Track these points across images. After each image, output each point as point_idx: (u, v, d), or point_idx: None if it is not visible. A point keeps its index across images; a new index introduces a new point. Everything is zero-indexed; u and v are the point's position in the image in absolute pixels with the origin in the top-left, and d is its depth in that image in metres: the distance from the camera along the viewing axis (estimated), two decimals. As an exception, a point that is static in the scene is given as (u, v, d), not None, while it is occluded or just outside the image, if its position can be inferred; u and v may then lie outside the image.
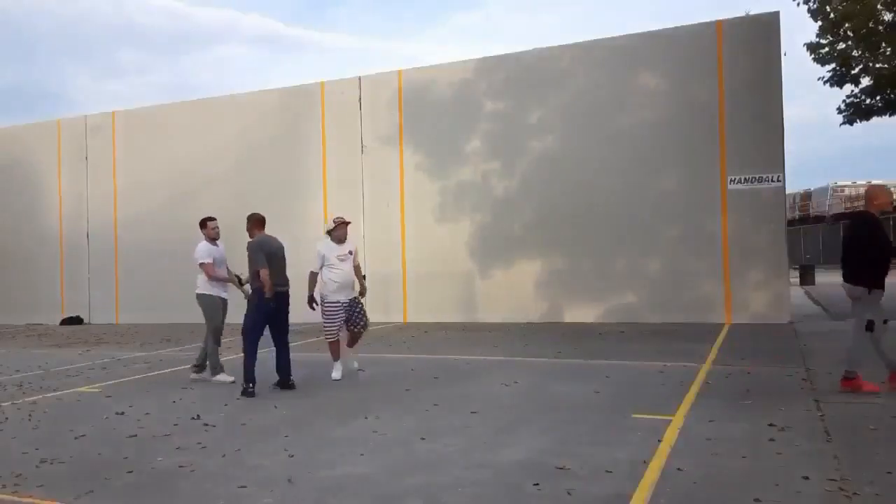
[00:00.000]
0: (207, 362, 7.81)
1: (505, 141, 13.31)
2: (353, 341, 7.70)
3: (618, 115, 12.54)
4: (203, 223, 8.39)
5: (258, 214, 7.66)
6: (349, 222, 7.66)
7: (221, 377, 7.59)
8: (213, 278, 7.88)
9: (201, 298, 8.01)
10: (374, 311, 14.16)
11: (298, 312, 15.05)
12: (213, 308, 7.90)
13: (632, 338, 10.06)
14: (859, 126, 14.31)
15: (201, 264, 7.92)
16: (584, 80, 12.90)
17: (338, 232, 7.41)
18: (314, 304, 7.62)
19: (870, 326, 5.69)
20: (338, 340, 7.53)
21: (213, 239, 8.12)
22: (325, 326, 7.37)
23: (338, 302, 7.24)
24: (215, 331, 7.84)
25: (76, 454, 4.68)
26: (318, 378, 7.50)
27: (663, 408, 5.41)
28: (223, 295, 8.05)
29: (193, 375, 7.81)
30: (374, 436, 4.91)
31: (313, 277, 7.40)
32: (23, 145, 17.68)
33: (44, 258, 17.16)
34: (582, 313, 12.57)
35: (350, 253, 7.41)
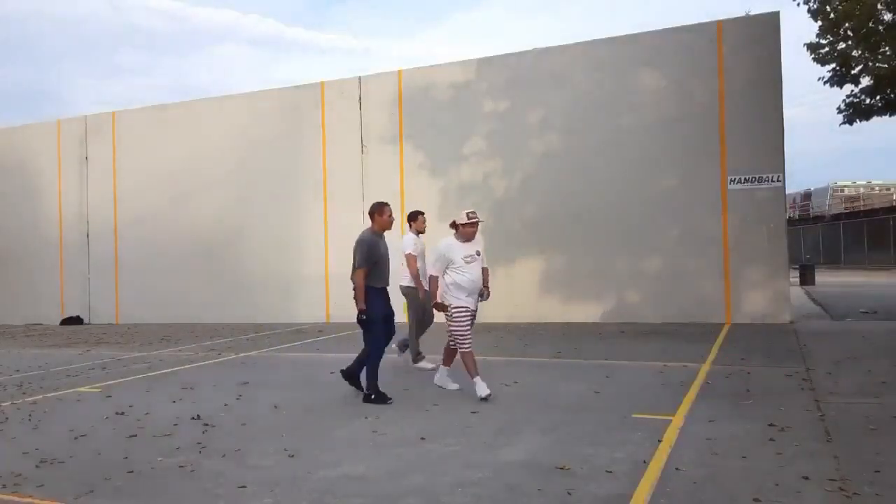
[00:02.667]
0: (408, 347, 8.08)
1: (505, 141, 13.31)
2: (452, 356, 6.51)
3: (618, 115, 12.53)
4: (413, 216, 8.24)
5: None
6: (482, 220, 6.72)
7: (423, 364, 7.78)
8: (412, 274, 7.78)
9: (406, 290, 7.95)
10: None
11: (299, 312, 15.09)
12: (416, 300, 7.88)
13: (632, 338, 10.06)
14: (859, 126, 14.33)
15: (406, 255, 7.81)
16: (585, 80, 12.90)
17: (468, 230, 6.45)
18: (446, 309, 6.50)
19: None
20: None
21: (419, 232, 8.07)
22: (459, 335, 6.12)
23: (467, 308, 6.20)
24: (419, 323, 8.00)
25: (76, 454, 4.68)
26: (318, 378, 7.49)
27: (663, 408, 5.41)
28: (425, 287, 7.68)
29: (421, 366, 7.87)
30: (374, 436, 4.91)
31: (435, 282, 6.51)
32: (23, 146, 17.69)
33: (44, 258, 17.16)
34: (582, 313, 12.57)
35: (478, 254, 6.55)
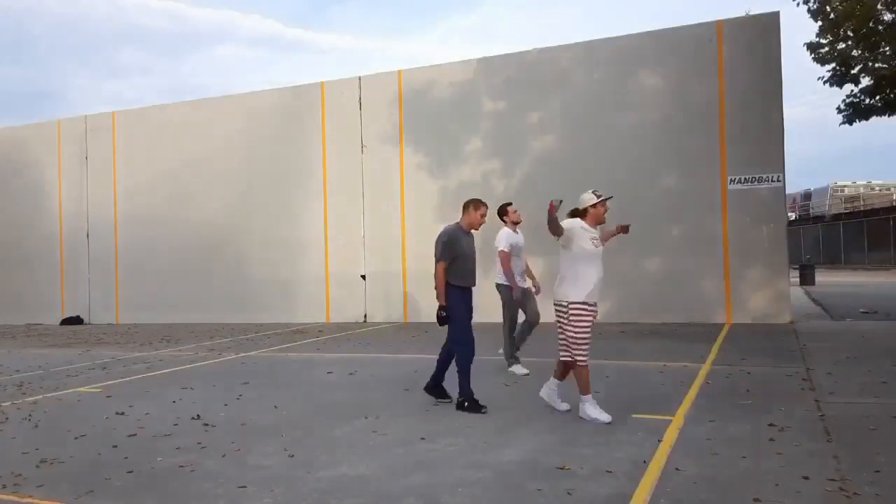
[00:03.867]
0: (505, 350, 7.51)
1: (505, 141, 13.31)
2: (568, 369, 5.39)
3: (618, 114, 12.53)
4: (503, 209, 7.74)
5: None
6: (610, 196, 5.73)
7: (516, 368, 7.28)
8: (503, 270, 7.33)
9: (501, 288, 7.47)
10: (375, 311, 14.22)
11: (299, 312, 15.10)
12: (510, 299, 7.37)
13: (632, 338, 10.06)
14: (859, 126, 14.33)
15: (499, 252, 7.39)
16: (585, 79, 12.90)
17: (598, 210, 5.49)
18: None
19: None
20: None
21: (515, 224, 7.62)
22: (576, 342, 5.10)
23: (595, 305, 5.19)
24: (511, 322, 7.45)
25: (76, 454, 4.68)
26: (318, 378, 7.49)
27: (663, 408, 5.41)
28: (523, 285, 7.47)
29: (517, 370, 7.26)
30: (374, 436, 4.91)
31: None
32: (23, 145, 17.69)
33: (44, 258, 17.16)
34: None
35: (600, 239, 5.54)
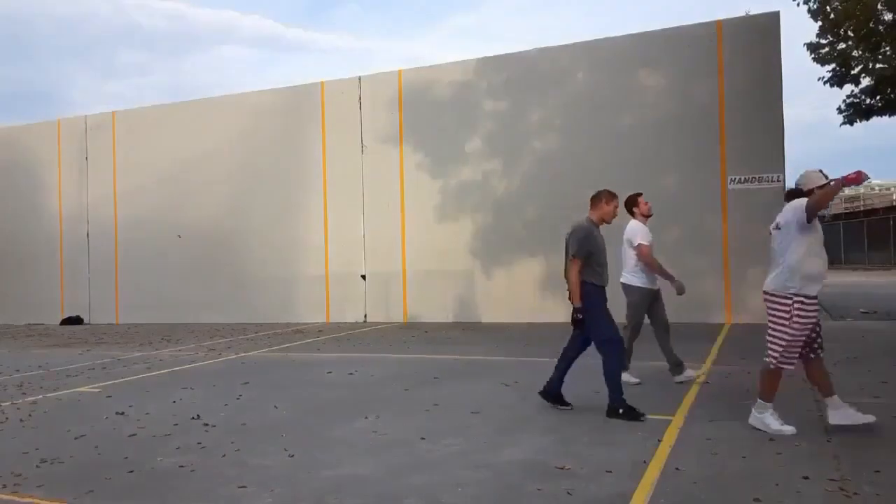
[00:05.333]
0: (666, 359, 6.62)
1: (505, 141, 13.31)
2: (822, 375, 4.74)
3: (618, 114, 12.53)
4: (633, 200, 6.81)
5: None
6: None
7: (628, 377, 6.45)
8: (648, 266, 6.46)
9: (629, 290, 6.63)
10: (375, 311, 14.22)
11: (299, 312, 15.10)
12: (640, 302, 6.58)
13: (632, 338, 10.04)
14: (859, 126, 14.33)
15: (638, 246, 6.50)
16: (585, 79, 12.90)
17: (826, 192, 4.49)
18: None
19: None
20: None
21: (646, 217, 6.75)
22: (787, 345, 4.51)
23: (816, 300, 4.54)
24: (636, 327, 6.67)
25: (76, 454, 4.68)
26: (318, 378, 7.49)
27: (663, 408, 5.40)
28: (654, 286, 6.57)
29: (678, 378, 6.52)
30: (374, 436, 4.91)
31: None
32: (23, 145, 17.69)
33: (44, 258, 17.16)
34: (582, 313, 12.55)
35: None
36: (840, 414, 4.56)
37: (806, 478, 3.69)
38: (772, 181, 11.48)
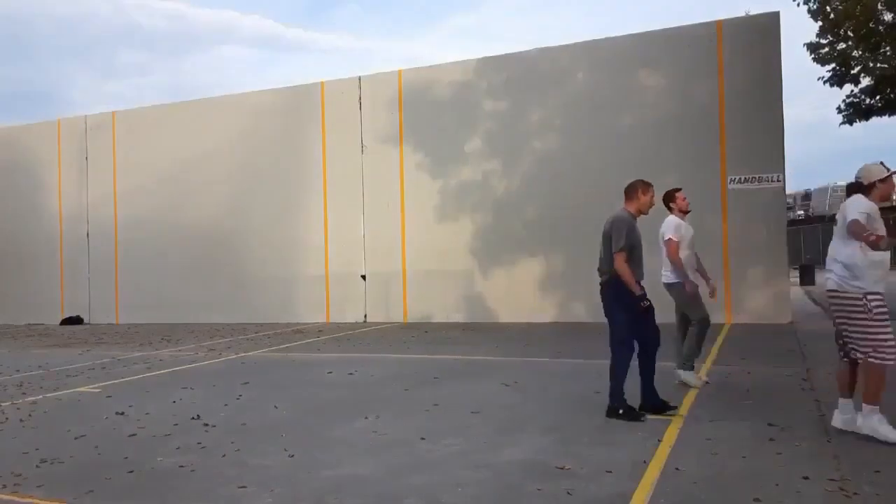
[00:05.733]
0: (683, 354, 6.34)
1: (505, 141, 13.31)
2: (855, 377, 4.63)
3: (618, 114, 12.54)
4: (671, 195, 6.65)
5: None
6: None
7: (688, 376, 6.21)
8: (673, 262, 6.25)
9: (673, 288, 6.32)
10: (375, 311, 14.22)
11: (299, 312, 15.07)
12: (692, 296, 6.21)
13: (632, 338, 10.04)
14: (859, 126, 14.35)
15: (668, 241, 6.30)
16: (585, 79, 12.90)
17: (888, 186, 4.50)
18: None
19: None
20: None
21: (683, 212, 6.55)
22: (878, 340, 4.28)
23: (883, 296, 4.38)
24: (702, 321, 6.22)
25: (76, 454, 4.68)
26: (318, 378, 7.49)
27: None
28: (697, 280, 6.34)
29: (682, 376, 6.27)
30: (374, 436, 4.91)
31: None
32: (23, 145, 17.69)
33: (44, 258, 17.16)
34: (582, 313, 12.56)
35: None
36: (870, 422, 4.35)
37: (806, 478, 3.68)
38: (772, 181, 11.48)
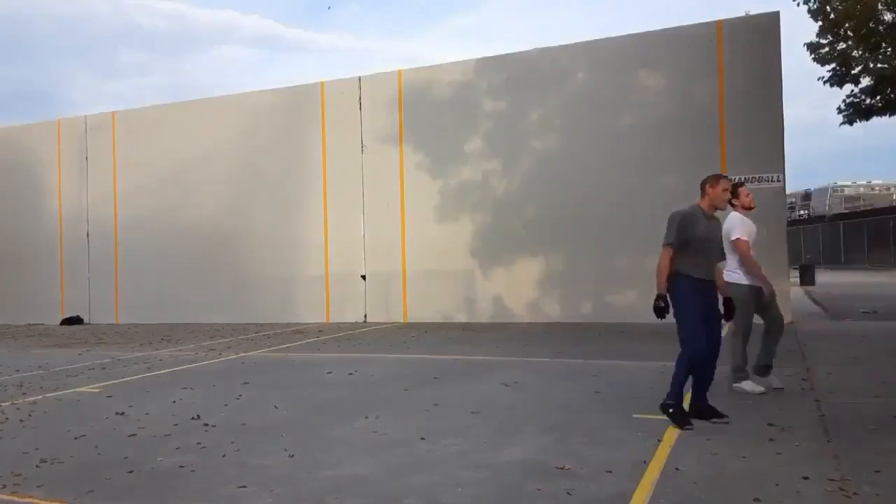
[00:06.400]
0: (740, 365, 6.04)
1: (505, 141, 13.31)
2: None
3: (618, 114, 12.54)
4: (734, 191, 5.82)
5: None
6: None
7: (746, 385, 5.91)
8: (748, 264, 5.82)
9: (735, 289, 5.75)
10: (375, 311, 14.22)
11: (299, 312, 15.06)
12: (748, 303, 5.86)
13: (632, 338, 10.06)
14: (859, 126, 14.34)
15: (736, 240, 5.81)
16: (585, 79, 12.91)
17: None
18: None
19: None
20: None
21: (747, 209, 6.07)
22: None
23: None
24: (746, 332, 5.98)
25: (76, 454, 4.68)
26: (318, 378, 7.49)
27: (663, 408, 5.39)
28: (758, 284, 5.90)
29: (744, 384, 5.95)
30: (374, 436, 4.91)
31: None
32: (23, 145, 17.69)
33: (44, 258, 17.16)
34: (582, 313, 12.57)
35: None
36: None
37: (806, 478, 3.68)
38: (772, 181, 11.48)
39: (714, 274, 5.08)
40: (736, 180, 6.75)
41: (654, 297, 4.95)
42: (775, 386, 5.97)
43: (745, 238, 5.83)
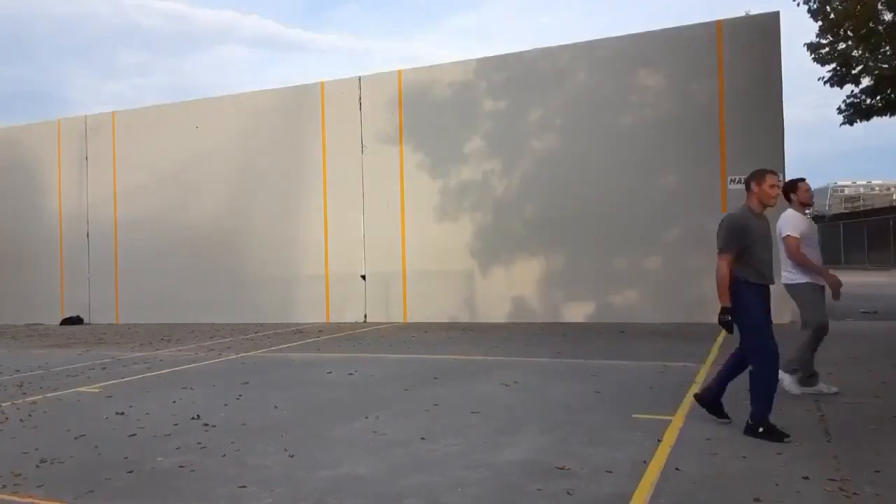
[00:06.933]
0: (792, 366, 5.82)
1: (505, 141, 13.31)
2: None
3: (618, 115, 12.54)
4: (792, 186, 5.83)
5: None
6: None
7: (786, 379, 5.69)
8: (797, 261, 5.66)
9: (794, 289, 5.77)
10: (375, 311, 14.22)
11: (299, 312, 15.06)
12: (812, 298, 5.74)
13: (632, 338, 10.06)
14: (859, 126, 14.34)
15: (786, 237, 5.66)
16: (585, 79, 12.90)
17: None
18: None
19: None
20: None
21: (804, 205, 5.84)
22: None
23: None
24: (819, 328, 5.77)
25: (76, 454, 4.68)
26: (318, 378, 7.49)
27: (663, 408, 5.40)
28: (820, 281, 5.73)
29: (802, 390, 5.78)
30: (374, 436, 4.91)
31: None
32: (23, 145, 17.69)
33: (44, 258, 17.16)
34: (582, 313, 12.57)
35: None
36: None
37: (806, 478, 3.69)
38: (772, 181, 11.47)
39: (771, 276, 4.76)
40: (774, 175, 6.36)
41: (721, 313, 4.59)
42: (831, 391, 5.74)
43: (795, 235, 5.63)
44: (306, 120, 14.84)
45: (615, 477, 3.82)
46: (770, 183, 4.74)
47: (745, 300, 4.57)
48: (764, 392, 4.55)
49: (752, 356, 4.64)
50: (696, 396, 5.08)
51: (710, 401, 4.94)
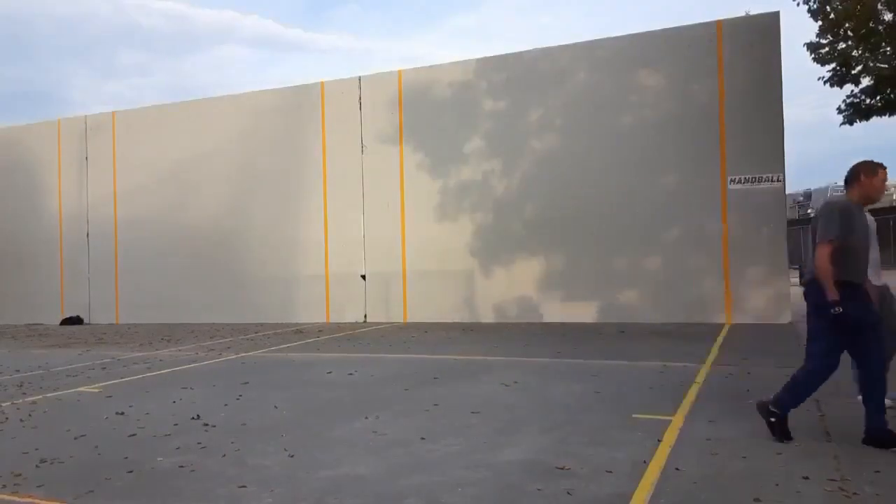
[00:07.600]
0: None
1: (505, 141, 13.31)
2: None
3: (618, 115, 12.54)
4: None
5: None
6: None
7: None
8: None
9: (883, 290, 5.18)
10: (375, 311, 14.23)
11: (299, 312, 15.06)
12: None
13: (632, 338, 10.06)
14: (859, 126, 14.34)
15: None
16: (585, 79, 12.90)
17: None
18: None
19: None
20: None
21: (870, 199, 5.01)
22: None
23: None
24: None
25: (76, 454, 4.68)
26: (318, 378, 7.49)
27: (663, 408, 5.40)
28: (877, 282, 5.02)
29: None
30: (374, 436, 4.90)
31: None
32: (23, 145, 17.69)
33: (44, 258, 17.16)
34: (582, 313, 12.57)
35: None
36: None
37: (806, 478, 3.68)
38: (772, 181, 11.49)
39: (866, 276, 4.34)
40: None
41: (831, 307, 4.10)
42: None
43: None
44: (306, 120, 14.84)
45: (615, 477, 3.82)
46: (882, 178, 4.33)
47: (849, 295, 4.09)
48: (800, 393, 4.37)
49: (810, 360, 4.32)
50: (867, 441, 4.24)
51: (877, 433, 4.19)
